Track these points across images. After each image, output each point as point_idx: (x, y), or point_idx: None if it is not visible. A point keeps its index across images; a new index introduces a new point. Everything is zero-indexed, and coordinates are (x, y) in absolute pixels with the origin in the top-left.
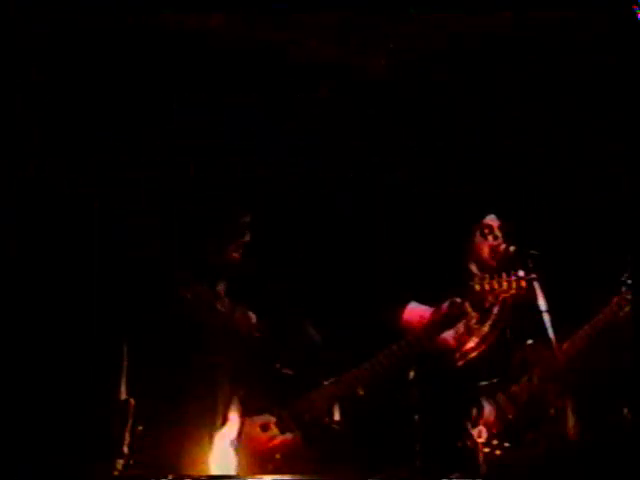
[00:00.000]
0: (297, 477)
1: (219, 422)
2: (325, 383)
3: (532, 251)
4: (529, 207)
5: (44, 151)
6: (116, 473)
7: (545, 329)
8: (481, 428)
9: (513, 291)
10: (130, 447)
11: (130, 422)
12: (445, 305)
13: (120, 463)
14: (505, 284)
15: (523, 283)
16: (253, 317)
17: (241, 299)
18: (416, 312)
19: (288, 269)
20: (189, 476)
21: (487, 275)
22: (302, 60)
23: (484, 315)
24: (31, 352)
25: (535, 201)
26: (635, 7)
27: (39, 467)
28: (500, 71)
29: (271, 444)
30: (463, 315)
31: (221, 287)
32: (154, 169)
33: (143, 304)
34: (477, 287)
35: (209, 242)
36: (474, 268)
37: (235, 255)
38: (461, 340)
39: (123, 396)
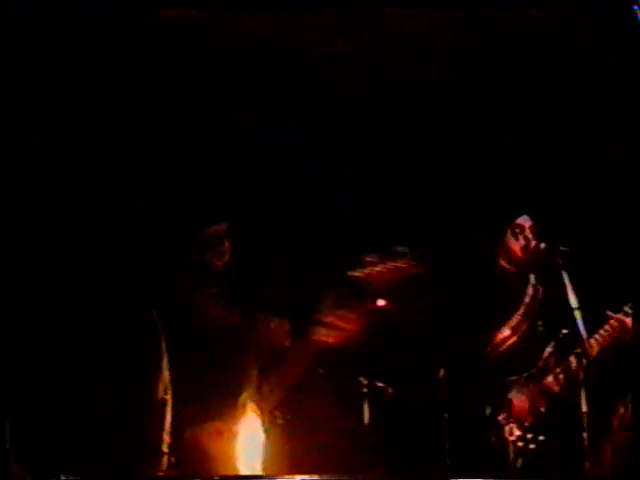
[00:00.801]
0: (331, 477)
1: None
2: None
3: (562, 248)
4: (560, 205)
5: (44, 151)
6: (161, 474)
7: (576, 325)
8: (512, 425)
9: None
10: (169, 446)
11: (167, 421)
12: None
13: (161, 463)
14: None
15: None
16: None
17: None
18: None
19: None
20: (237, 477)
21: None
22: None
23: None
24: (67, 354)
25: (566, 200)
26: (635, 7)
27: (78, 469)
28: (507, 70)
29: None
30: None
31: (215, 291)
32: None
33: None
34: None
35: (190, 252)
36: (506, 265)
37: (217, 262)
38: None
39: (160, 395)
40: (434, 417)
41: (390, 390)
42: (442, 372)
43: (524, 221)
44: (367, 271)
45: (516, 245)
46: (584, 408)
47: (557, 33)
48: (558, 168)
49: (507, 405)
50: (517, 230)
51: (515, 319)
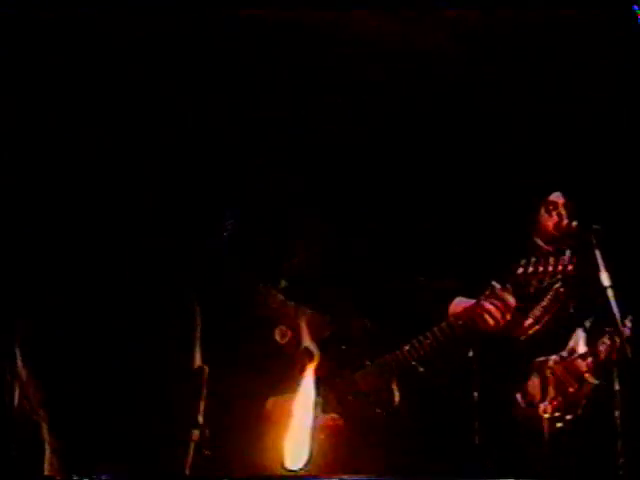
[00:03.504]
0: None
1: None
2: (368, 364)
3: (595, 226)
4: (594, 183)
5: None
6: (192, 444)
7: (609, 304)
8: (547, 403)
9: (559, 275)
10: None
11: (205, 391)
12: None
13: (196, 434)
14: (550, 268)
15: (570, 266)
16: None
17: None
18: (461, 304)
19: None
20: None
21: (533, 258)
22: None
23: (537, 297)
24: (103, 320)
25: (600, 177)
26: (635, 7)
27: (112, 437)
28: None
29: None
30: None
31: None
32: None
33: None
34: (520, 271)
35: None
36: (540, 242)
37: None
38: (503, 321)
39: (197, 363)
40: (464, 395)
41: (421, 368)
42: (471, 352)
43: (557, 198)
44: None
45: (549, 221)
46: (617, 387)
47: (557, 33)
48: (592, 145)
49: (540, 385)
50: (550, 207)
51: (538, 309)
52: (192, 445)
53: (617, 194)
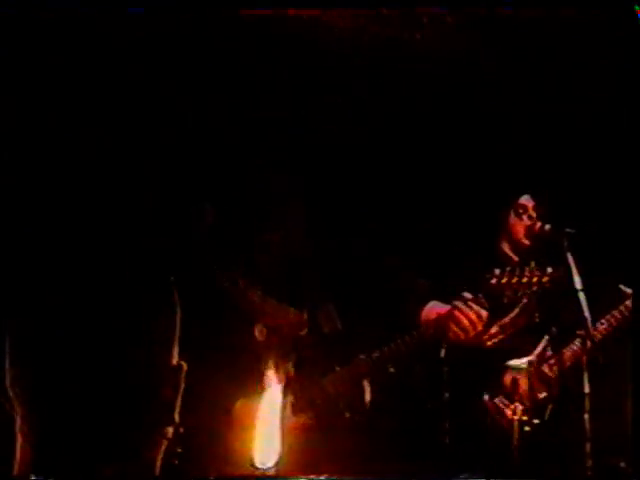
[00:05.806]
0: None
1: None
2: (337, 369)
3: (567, 229)
4: (564, 186)
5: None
6: (165, 442)
7: (580, 308)
8: (517, 404)
9: (535, 287)
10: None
11: (182, 388)
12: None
13: (170, 431)
14: (525, 280)
15: (545, 278)
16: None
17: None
18: (434, 310)
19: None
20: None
21: (507, 268)
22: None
23: (510, 307)
24: (80, 314)
25: (570, 180)
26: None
27: (86, 434)
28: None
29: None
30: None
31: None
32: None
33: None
34: (493, 281)
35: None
36: (507, 249)
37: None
38: (474, 333)
39: (175, 360)
40: (434, 396)
41: (391, 369)
42: (443, 352)
43: (527, 201)
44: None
45: (520, 225)
46: (587, 389)
47: (556, 33)
48: (560, 148)
49: (511, 387)
50: (520, 210)
51: (505, 319)
52: (165, 442)
53: (588, 197)
